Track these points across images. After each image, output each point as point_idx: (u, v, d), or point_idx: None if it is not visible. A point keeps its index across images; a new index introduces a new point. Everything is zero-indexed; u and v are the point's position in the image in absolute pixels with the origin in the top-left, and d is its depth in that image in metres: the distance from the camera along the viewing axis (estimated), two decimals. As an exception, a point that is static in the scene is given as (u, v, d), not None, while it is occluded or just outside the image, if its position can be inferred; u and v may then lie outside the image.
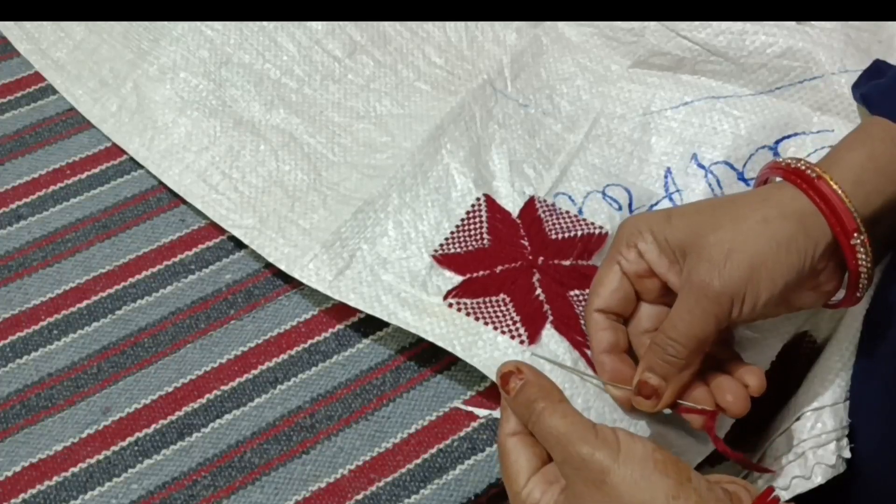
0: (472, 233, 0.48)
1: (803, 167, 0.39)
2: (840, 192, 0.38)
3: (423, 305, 0.45)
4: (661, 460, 0.34)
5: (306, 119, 0.55)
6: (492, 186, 0.50)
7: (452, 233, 0.48)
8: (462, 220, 0.48)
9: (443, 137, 0.51)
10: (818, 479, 0.39)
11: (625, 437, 0.35)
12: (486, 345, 0.43)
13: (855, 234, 0.38)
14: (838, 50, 0.51)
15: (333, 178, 0.51)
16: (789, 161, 0.40)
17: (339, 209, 0.49)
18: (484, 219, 0.48)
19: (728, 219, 0.39)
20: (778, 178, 0.41)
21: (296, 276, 0.47)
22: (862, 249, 0.38)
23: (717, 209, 0.40)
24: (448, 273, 0.46)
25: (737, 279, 0.37)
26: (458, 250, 0.47)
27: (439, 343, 0.43)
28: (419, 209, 0.48)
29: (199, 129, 0.54)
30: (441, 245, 0.47)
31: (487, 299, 0.45)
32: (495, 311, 0.44)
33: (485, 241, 0.48)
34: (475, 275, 0.46)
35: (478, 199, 0.49)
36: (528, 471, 0.37)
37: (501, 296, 0.45)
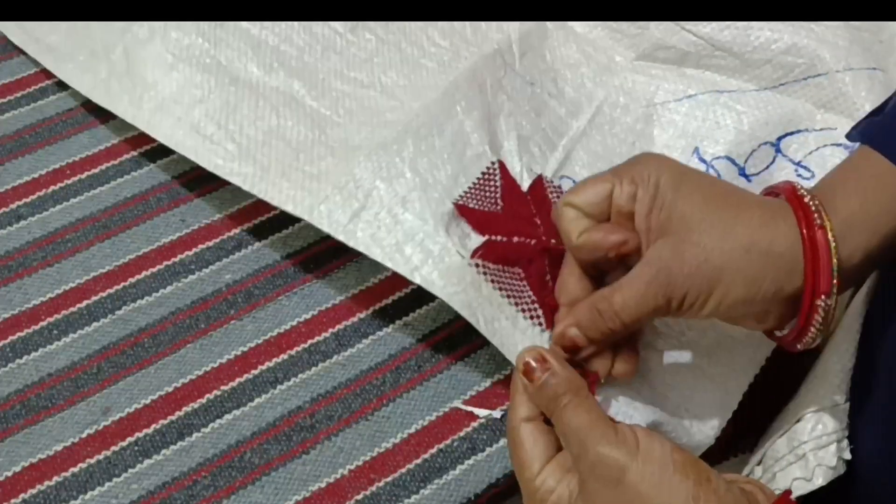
0: (488, 194, 0.46)
1: (812, 205, 0.37)
2: (833, 246, 0.36)
3: (450, 259, 0.42)
4: (681, 461, 0.34)
5: (308, 83, 0.52)
6: (501, 156, 0.48)
7: (469, 188, 0.46)
8: (478, 178, 0.46)
9: (457, 94, 0.49)
10: (819, 481, 0.39)
11: (644, 436, 0.35)
12: (509, 323, 0.41)
13: (823, 297, 0.36)
14: (843, 48, 0.51)
15: (340, 135, 0.49)
16: (804, 193, 0.38)
17: (351, 154, 0.46)
18: (498, 184, 0.47)
19: (720, 226, 0.38)
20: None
21: (305, 218, 0.44)
22: (822, 313, 0.37)
23: (717, 209, 0.38)
24: (467, 227, 0.44)
25: (692, 285, 0.37)
26: (476, 205, 0.45)
27: (464, 313, 0.41)
28: (435, 159, 0.45)
29: (192, 83, 0.51)
30: (461, 196, 0.45)
31: (506, 269, 0.43)
32: (514, 285, 0.42)
33: (498, 206, 0.46)
34: (494, 238, 0.44)
35: (493, 162, 0.47)
36: (542, 458, 0.37)
37: (517, 269, 0.43)
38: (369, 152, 0.45)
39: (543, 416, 0.38)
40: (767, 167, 0.50)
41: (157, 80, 0.52)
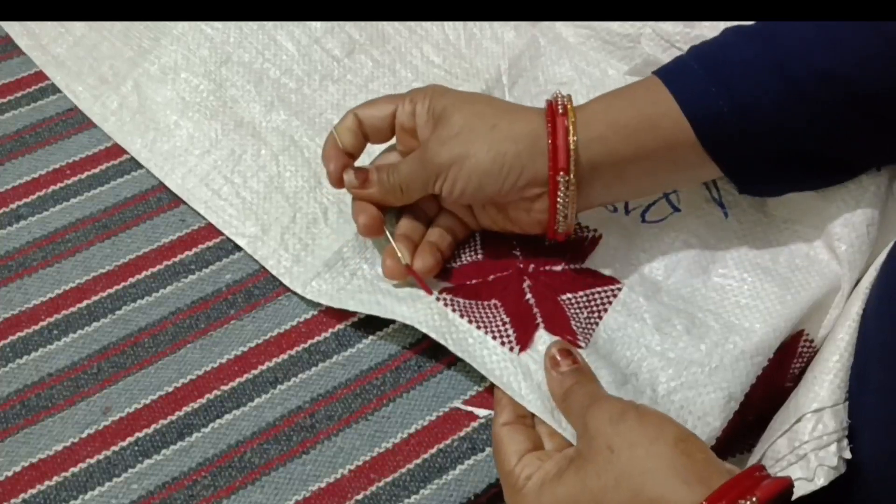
0: (466, 249, 0.49)
1: (559, 101, 0.44)
2: (571, 131, 0.42)
3: (417, 296, 0.45)
4: (673, 418, 0.37)
5: (306, 121, 0.55)
6: None
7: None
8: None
9: None
10: (821, 481, 0.39)
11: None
12: (476, 342, 0.44)
13: (562, 173, 0.42)
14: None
15: (333, 188, 0.52)
16: (561, 94, 0.44)
17: (341, 227, 0.50)
18: (477, 236, 0.49)
19: (473, 113, 0.44)
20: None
21: (299, 292, 0.48)
22: (563, 188, 0.43)
23: (476, 103, 0.45)
24: (441, 283, 0.47)
25: (444, 160, 0.44)
26: (453, 265, 0.48)
27: (433, 335, 0.44)
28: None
29: (201, 132, 0.54)
30: None
31: (479, 303, 0.45)
32: (485, 314, 0.45)
33: (479, 256, 0.48)
34: (468, 282, 0.47)
35: None
36: (520, 451, 0.39)
37: (493, 301, 0.46)
38: (356, 231, 0.48)
39: (523, 420, 0.41)
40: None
41: (168, 125, 0.55)
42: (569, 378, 0.41)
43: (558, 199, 0.43)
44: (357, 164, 0.49)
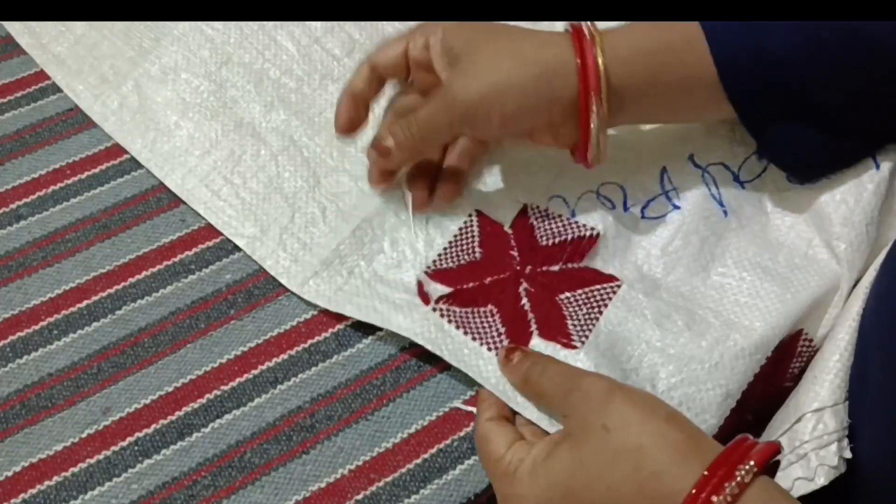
0: (465, 247, 0.49)
1: (586, 27, 0.44)
2: (600, 55, 0.42)
3: (414, 305, 0.46)
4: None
5: (305, 121, 0.55)
6: (487, 197, 0.50)
7: (445, 248, 0.49)
8: (455, 235, 0.49)
9: None
10: (821, 481, 0.39)
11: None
12: (472, 353, 0.44)
13: (594, 94, 0.43)
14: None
15: (333, 188, 0.52)
16: (585, 22, 0.44)
17: (339, 225, 0.50)
18: (476, 233, 0.49)
19: (497, 44, 0.44)
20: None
21: (296, 291, 0.48)
22: (595, 110, 0.43)
23: (496, 33, 0.45)
24: (440, 286, 0.47)
25: (475, 98, 0.43)
26: (451, 265, 0.48)
27: (428, 346, 0.45)
28: (414, 227, 0.49)
29: (201, 133, 0.54)
30: (434, 261, 0.48)
31: (475, 310, 0.46)
32: (481, 323, 0.45)
33: (476, 255, 0.48)
34: (465, 286, 0.47)
35: (469, 215, 0.50)
36: (507, 442, 0.39)
37: (489, 307, 0.46)
38: (354, 228, 0.50)
39: (504, 416, 0.41)
40: (760, 175, 0.50)
41: (169, 126, 0.55)
42: (522, 363, 0.42)
43: (591, 123, 0.43)
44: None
